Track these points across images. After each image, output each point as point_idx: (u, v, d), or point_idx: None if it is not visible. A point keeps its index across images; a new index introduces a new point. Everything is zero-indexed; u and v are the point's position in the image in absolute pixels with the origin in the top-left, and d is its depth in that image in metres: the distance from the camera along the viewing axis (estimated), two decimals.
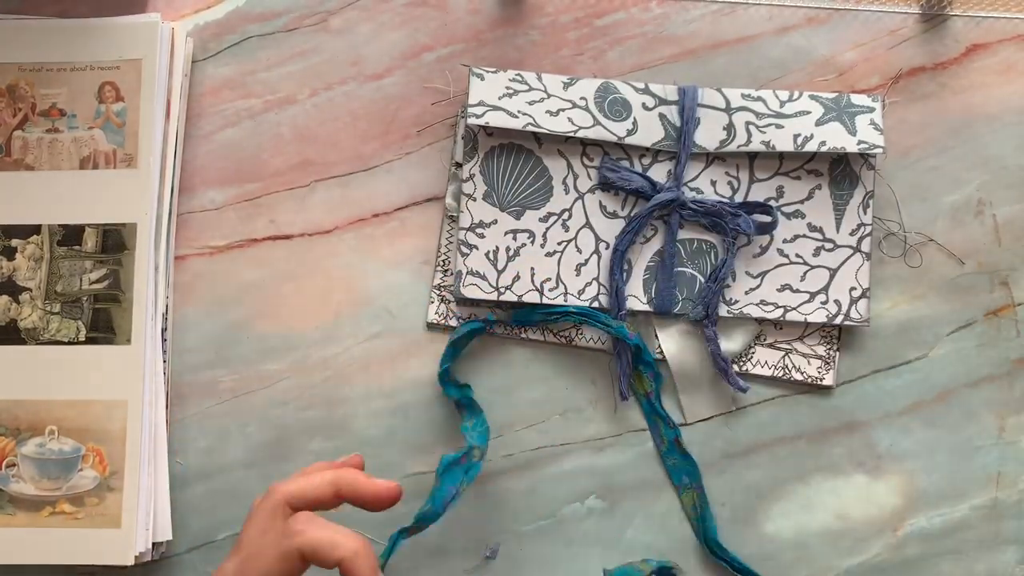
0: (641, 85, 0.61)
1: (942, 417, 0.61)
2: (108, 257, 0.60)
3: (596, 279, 0.60)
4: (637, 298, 0.60)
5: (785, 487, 0.61)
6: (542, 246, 0.60)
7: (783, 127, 0.60)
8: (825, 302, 0.60)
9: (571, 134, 0.59)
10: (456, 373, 0.61)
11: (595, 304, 0.60)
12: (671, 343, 0.61)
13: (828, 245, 0.61)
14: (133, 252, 0.60)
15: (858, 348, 0.61)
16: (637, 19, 0.63)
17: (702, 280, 0.60)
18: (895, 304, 0.62)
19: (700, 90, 0.60)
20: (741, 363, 0.61)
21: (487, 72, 0.60)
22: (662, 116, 0.60)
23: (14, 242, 0.61)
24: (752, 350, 0.61)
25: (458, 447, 0.60)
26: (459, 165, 0.61)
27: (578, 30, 0.63)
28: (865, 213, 0.61)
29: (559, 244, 0.60)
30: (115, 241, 0.60)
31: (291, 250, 0.62)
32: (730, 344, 0.60)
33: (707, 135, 0.60)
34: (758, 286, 0.60)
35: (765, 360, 0.61)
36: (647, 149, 0.61)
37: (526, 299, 0.60)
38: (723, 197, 0.61)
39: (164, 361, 0.60)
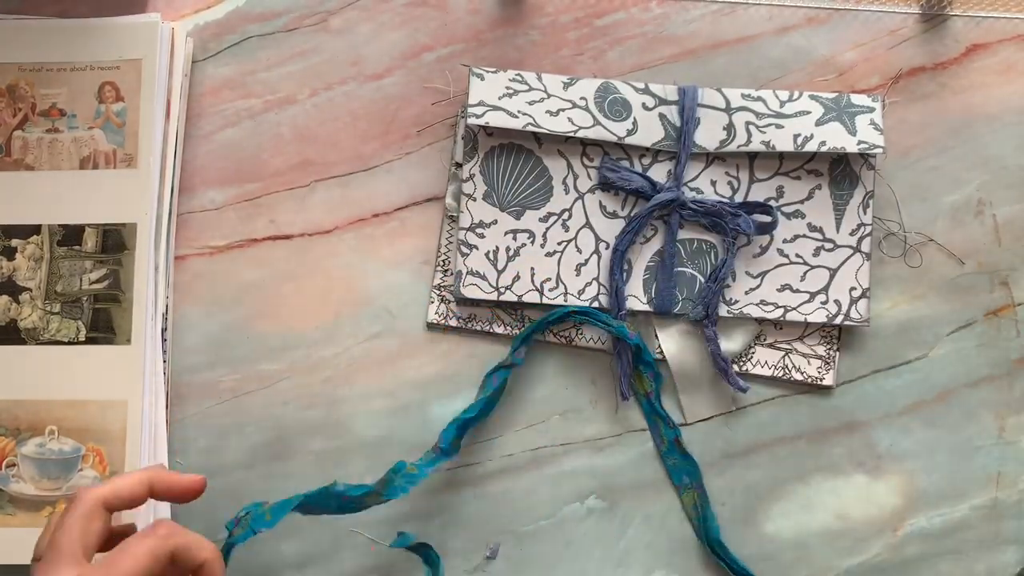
0: (641, 85, 0.61)
1: (942, 417, 0.61)
2: (108, 257, 0.60)
3: (596, 279, 0.60)
4: (637, 298, 0.60)
5: (785, 487, 0.61)
6: (542, 246, 0.60)
7: (783, 127, 0.60)
8: (825, 302, 0.60)
9: (571, 134, 0.59)
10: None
11: (595, 304, 0.60)
12: (671, 343, 0.61)
13: (828, 245, 0.61)
14: (133, 252, 0.60)
15: (858, 348, 0.61)
16: (637, 19, 0.63)
17: (702, 280, 0.60)
18: (895, 304, 0.62)
19: (700, 90, 0.60)
20: (741, 363, 0.61)
21: (487, 72, 0.60)
22: (662, 116, 0.60)
23: (14, 242, 0.61)
24: (752, 350, 0.61)
25: (460, 446, 0.60)
26: (459, 165, 0.61)
27: (578, 30, 0.63)
28: (865, 213, 0.61)
29: (559, 244, 0.60)
30: (115, 241, 0.60)
31: (291, 250, 0.62)
32: (730, 344, 0.60)
33: (707, 135, 0.60)
34: (758, 286, 0.60)
35: (765, 360, 0.61)
36: (647, 149, 0.61)
37: (526, 299, 0.60)
38: (723, 197, 0.61)
39: (164, 361, 0.60)
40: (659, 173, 0.60)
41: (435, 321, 0.61)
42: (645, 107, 0.60)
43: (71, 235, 0.61)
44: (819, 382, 0.61)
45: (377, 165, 0.62)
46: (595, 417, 0.61)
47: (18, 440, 0.59)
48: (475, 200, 0.60)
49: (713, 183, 0.61)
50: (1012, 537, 0.60)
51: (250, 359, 0.61)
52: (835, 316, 0.60)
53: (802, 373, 0.61)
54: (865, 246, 0.61)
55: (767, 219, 0.60)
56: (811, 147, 0.60)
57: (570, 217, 0.60)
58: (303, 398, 0.61)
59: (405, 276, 0.62)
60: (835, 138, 0.60)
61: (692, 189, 0.61)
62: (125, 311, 0.60)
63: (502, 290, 0.60)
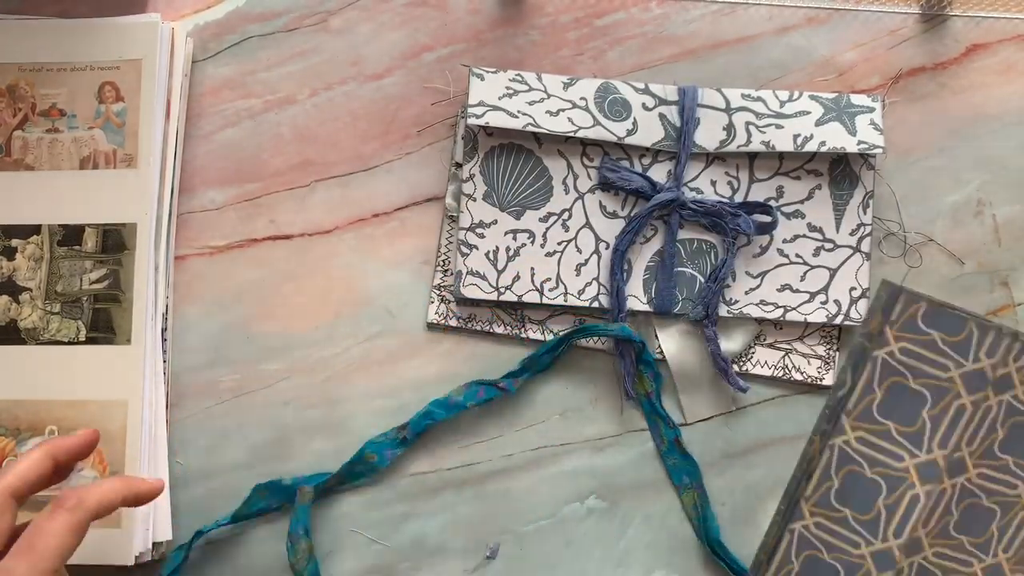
0: (641, 85, 0.61)
1: None
2: (108, 257, 0.60)
3: (596, 279, 0.60)
4: (637, 298, 0.60)
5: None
6: (542, 246, 0.60)
7: (783, 127, 0.60)
8: (825, 302, 0.60)
9: (571, 134, 0.59)
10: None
11: (595, 304, 0.60)
12: (671, 343, 0.61)
13: (828, 245, 0.61)
14: (133, 252, 0.60)
15: None
16: (637, 19, 0.63)
17: (702, 280, 0.60)
18: None
19: (700, 90, 0.60)
20: (741, 363, 0.61)
21: (487, 72, 0.60)
22: (662, 116, 0.60)
23: (14, 242, 0.61)
24: (752, 350, 0.61)
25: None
26: (459, 165, 0.61)
27: (578, 30, 0.63)
28: (865, 213, 0.61)
29: (559, 244, 0.60)
30: (115, 241, 0.60)
31: (291, 250, 0.62)
32: (730, 344, 0.60)
33: (707, 135, 0.60)
34: (758, 286, 0.60)
35: (765, 360, 0.61)
36: (647, 149, 0.61)
37: (526, 299, 0.60)
38: (723, 197, 0.61)
39: (164, 361, 0.60)
40: (659, 173, 0.60)
41: (435, 321, 0.61)
42: (645, 107, 0.60)
43: (71, 235, 0.61)
44: (819, 382, 0.61)
45: (377, 165, 0.62)
46: (595, 417, 0.61)
47: (18, 440, 0.59)
48: (475, 200, 0.60)
49: (713, 183, 0.61)
50: None
51: (250, 359, 0.61)
52: (835, 316, 0.60)
53: (802, 373, 0.61)
54: (865, 246, 0.61)
55: (767, 219, 0.60)
56: (811, 147, 0.60)
57: (570, 217, 0.60)
58: (303, 398, 0.61)
59: (405, 276, 0.62)
60: (835, 138, 0.60)
61: (692, 189, 0.61)
62: (125, 311, 0.60)
63: (502, 290, 0.60)
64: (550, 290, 0.60)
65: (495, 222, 0.60)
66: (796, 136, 0.60)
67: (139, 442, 0.58)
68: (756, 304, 0.60)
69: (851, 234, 0.61)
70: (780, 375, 0.61)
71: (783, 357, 0.61)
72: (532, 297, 0.60)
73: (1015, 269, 0.62)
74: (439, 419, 0.59)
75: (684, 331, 0.61)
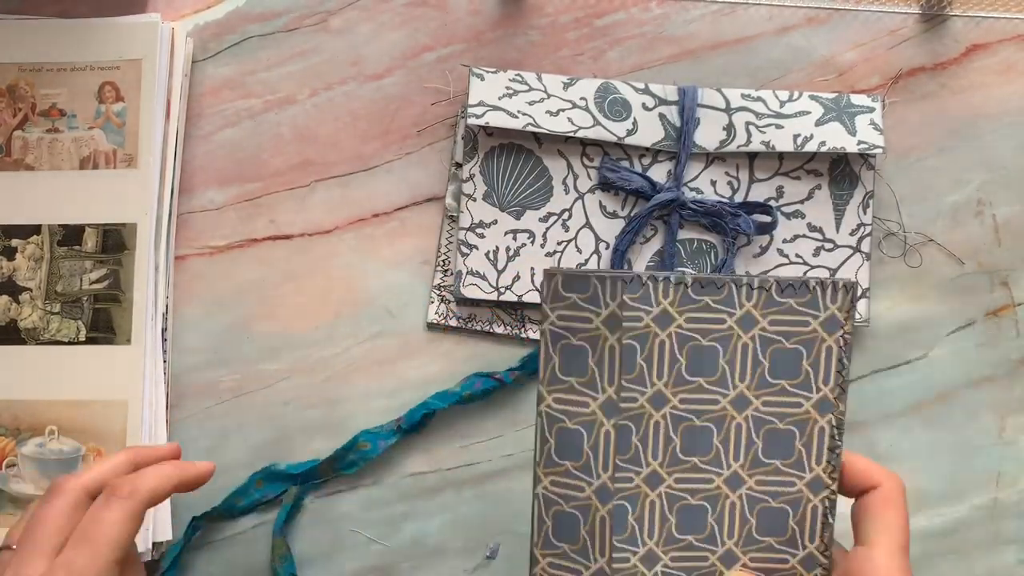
0: (641, 85, 0.61)
1: (942, 417, 0.61)
2: (108, 257, 0.60)
3: None
4: None
5: None
6: (542, 246, 0.60)
7: (783, 127, 0.60)
8: None
9: (571, 134, 0.59)
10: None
11: None
12: None
13: (828, 245, 0.61)
14: (133, 252, 0.60)
15: (858, 348, 0.61)
16: (637, 19, 0.63)
17: None
18: (895, 304, 0.62)
19: (700, 90, 0.60)
20: None
21: (487, 72, 0.60)
22: (662, 116, 0.60)
23: (14, 242, 0.61)
24: None
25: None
26: (459, 165, 0.61)
27: (578, 30, 0.63)
28: (865, 213, 0.61)
29: (559, 244, 0.60)
30: (115, 241, 0.60)
31: (291, 250, 0.62)
32: None
33: (707, 135, 0.60)
34: None
35: None
36: (647, 149, 0.61)
37: (526, 299, 0.60)
38: (723, 197, 0.61)
39: (164, 361, 0.60)
40: (659, 173, 0.60)
41: (435, 321, 0.61)
42: (645, 107, 0.60)
43: (71, 235, 0.61)
44: None
45: (377, 165, 0.62)
46: None
47: (18, 440, 0.59)
48: (475, 200, 0.60)
49: (713, 183, 0.61)
50: (1012, 537, 0.60)
51: (250, 359, 0.61)
52: None
53: None
54: (865, 246, 0.61)
55: (767, 219, 0.60)
56: (811, 147, 0.60)
57: (570, 217, 0.60)
58: (303, 398, 0.61)
59: (405, 276, 0.62)
60: (835, 138, 0.60)
61: (692, 189, 0.61)
62: (125, 311, 0.60)
63: (502, 290, 0.60)
64: None
65: (495, 222, 0.60)
66: (796, 136, 0.60)
67: (139, 442, 0.58)
68: None
69: (851, 234, 0.61)
70: None
71: None
72: (532, 297, 0.60)
73: (1015, 269, 0.62)
74: (434, 408, 0.59)
75: None
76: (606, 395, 0.44)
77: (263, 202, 0.62)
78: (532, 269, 0.60)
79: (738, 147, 0.60)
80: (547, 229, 0.60)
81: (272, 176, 0.62)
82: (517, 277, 0.60)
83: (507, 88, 0.60)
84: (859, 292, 0.53)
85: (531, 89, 0.60)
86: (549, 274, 0.44)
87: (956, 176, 0.62)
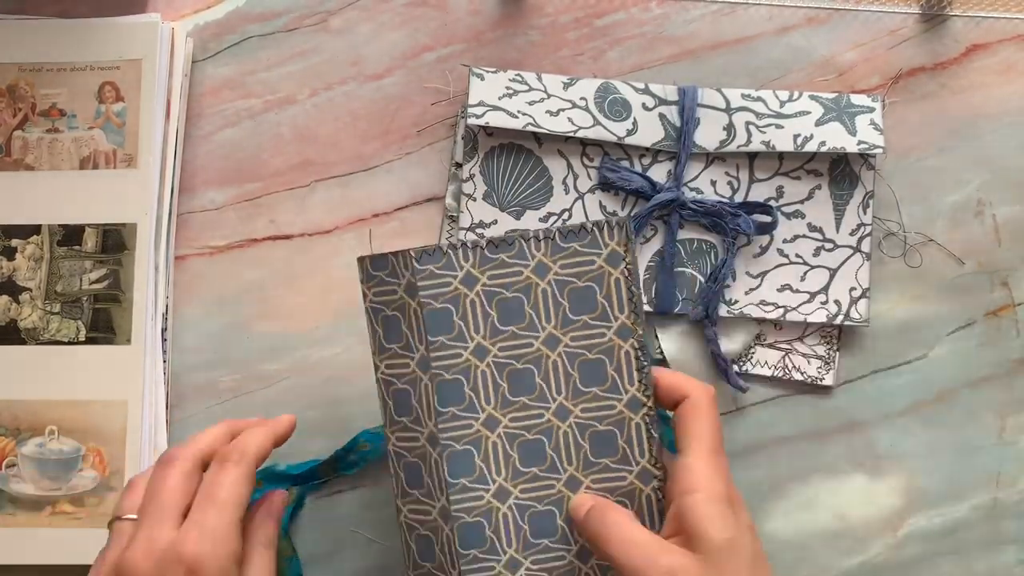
0: (641, 85, 0.61)
1: (942, 417, 0.61)
2: (108, 257, 0.60)
3: None
4: None
5: (785, 487, 0.61)
6: None
7: (783, 127, 0.60)
8: (825, 302, 0.60)
9: (571, 134, 0.59)
10: None
11: None
12: (671, 343, 0.61)
13: (828, 245, 0.61)
14: (133, 252, 0.60)
15: (858, 348, 0.61)
16: (637, 19, 0.63)
17: (702, 280, 0.60)
18: (895, 304, 0.62)
19: (700, 90, 0.60)
20: (741, 363, 0.61)
21: (487, 72, 0.60)
22: (662, 116, 0.60)
23: (14, 242, 0.61)
24: (752, 350, 0.61)
25: None
26: (459, 165, 0.61)
27: (578, 30, 0.63)
28: (865, 213, 0.61)
29: None
30: (115, 241, 0.60)
31: (291, 250, 0.62)
32: (730, 344, 0.60)
33: (707, 135, 0.60)
34: (758, 286, 0.60)
35: (765, 360, 0.61)
36: (647, 149, 0.61)
37: None
38: (723, 197, 0.61)
39: (164, 361, 0.60)
40: (659, 173, 0.60)
41: None
42: (645, 107, 0.60)
43: (71, 235, 0.61)
44: (819, 382, 0.61)
45: (377, 165, 0.62)
46: None
47: (18, 440, 0.59)
48: (475, 200, 0.60)
49: (713, 183, 0.61)
50: (1012, 537, 0.60)
51: (250, 359, 0.61)
52: (835, 316, 0.60)
53: (802, 373, 0.61)
54: (865, 246, 0.61)
55: (767, 219, 0.60)
56: (811, 147, 0.60)
57: (570, 217, 0.60)
58: (303, 398, 0.61)
59: None
60: (835, 138, 0.60)
61: (692, 189, 0.61)
62: (125, 311, 0.60)
63: None
64: None
65: (495, 222, 0.60)
66: (796, 136, 0.60)
67: (139, 442, 0.58)
68: (756, 304, 0.60)
69: (851, 234, 0.61)
70: (780, 375, 0.61)
71: (783, 357, 0.61)
72: None
73: (1015, 269, 0.62)
74: None
75: (684, 331, 0.61)
76: (419, 353, 0.48)
77: (263, 202, 0.62)
78: None
79: (738, 147, 0.60)
80: None
81: (272, 176, 0.62)
82: None
83: (507, 88, 0.60)
84: (631, 227, 0.54)
85: (531, 89, 0.60)
86: (360, 259, 0.50)
87: (956, 176, 0.62)
